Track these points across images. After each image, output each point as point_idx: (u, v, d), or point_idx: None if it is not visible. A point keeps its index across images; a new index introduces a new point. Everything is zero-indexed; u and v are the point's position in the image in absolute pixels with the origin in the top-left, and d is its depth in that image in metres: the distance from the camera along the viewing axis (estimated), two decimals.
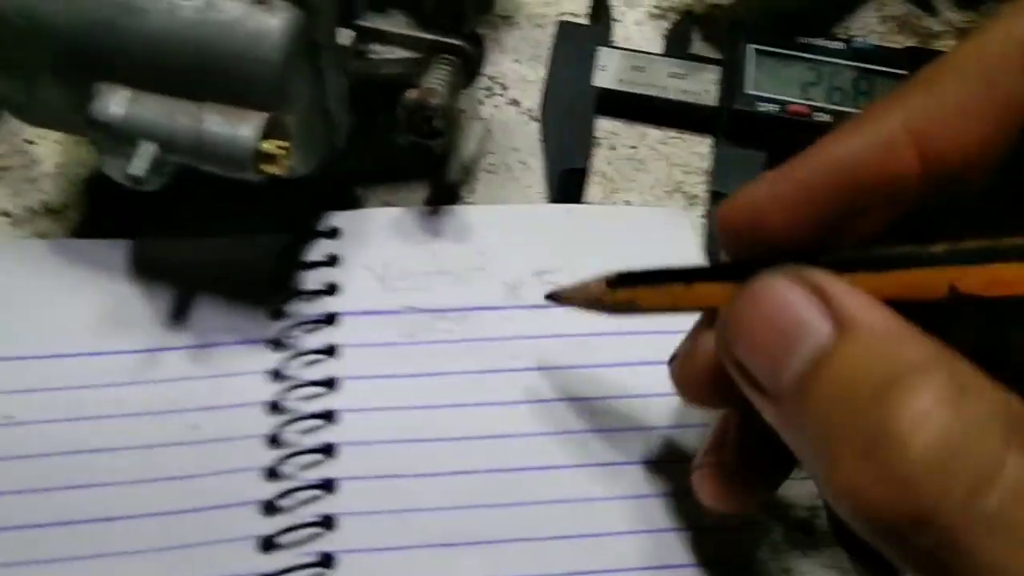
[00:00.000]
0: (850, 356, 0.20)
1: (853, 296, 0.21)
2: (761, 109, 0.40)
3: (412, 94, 0.33)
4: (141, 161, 0.29)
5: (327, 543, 0.32)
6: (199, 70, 0.30)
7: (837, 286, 0.21)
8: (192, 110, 0.30)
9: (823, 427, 0.20)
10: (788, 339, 0.21)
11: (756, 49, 0.42)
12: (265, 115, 0.30)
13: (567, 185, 0.40)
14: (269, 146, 0.30)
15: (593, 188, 0.41)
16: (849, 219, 0.24)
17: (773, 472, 0.29)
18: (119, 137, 0.30)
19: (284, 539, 0.31)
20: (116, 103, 0.30)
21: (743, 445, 0.28)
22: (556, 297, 0.32)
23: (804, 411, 0.21)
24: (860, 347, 0.20)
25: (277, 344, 0.35)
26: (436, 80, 0.34)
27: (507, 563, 0.31)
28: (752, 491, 0.29)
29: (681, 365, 0.28)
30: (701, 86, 0.42)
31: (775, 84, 0.41)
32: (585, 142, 0.41)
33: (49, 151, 0.41)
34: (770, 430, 0.23)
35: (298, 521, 0.32)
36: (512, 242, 0.38)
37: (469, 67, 0.35)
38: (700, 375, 0.27)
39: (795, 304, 0.21)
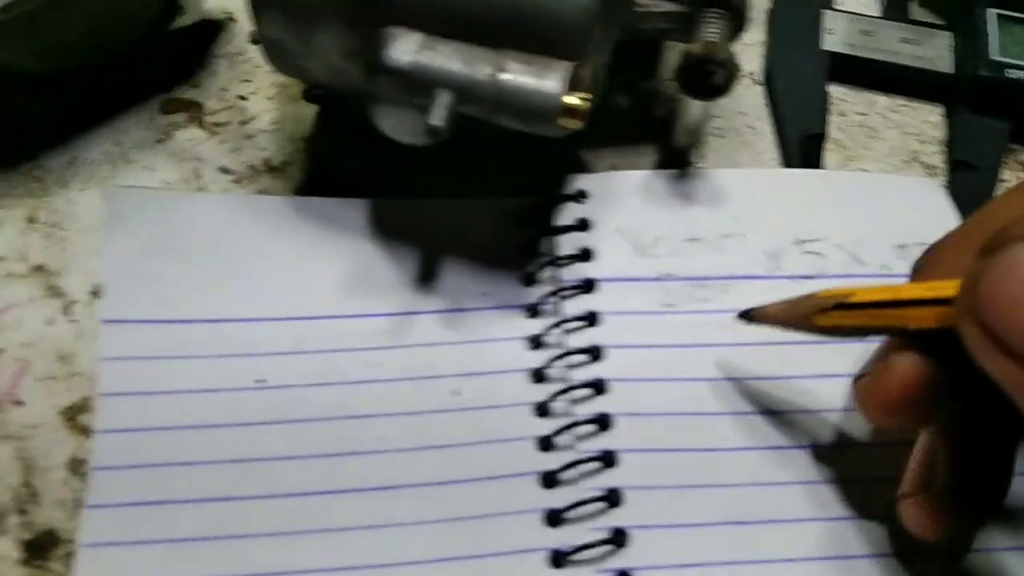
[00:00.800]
0: None
1: None
2: (1011, 76, 0.38)
3: (695, 47, 0.31)
4: (440, 110, 0.27)
5: (614, 519, 0.30)
6: (501, 14, 0.28)
7: None
8: (491, 57, 0.28)
9: None
10: None
11: (998, 14, 0.39)
12: (569, 65, 0.28)
13: (807, 150, 0.38)
14: (574, 99, 0.27)
15: (828, 155, 0.39)
16: None
17: (988, 495, 0.27)
18: (411, 85, 0.28)
19: (571, 514, 0.29)
20: (410, 48, 0.28)
21: (955, 468, 0.26)
22: (750, 316, 0.30)
23: None
24: None
25: (534, 311, 0.33)
26: (712, 33, 0.31)
27: (798, 542, 0.29)
28: (965, 516, 0.27)
29: (871, 384, 0.26)
30: (934, 52, 0.40)
31: (1022, 50, 0.39)
32: (822, 107, 0.39)
33: (262, 107, 0.39)
34: (987, 450, 0.22)
35: (582, 496, 0.30)
36: (768, 207, 0.35)
37: (736, 21, 0.33)
38: (894, 394, 0.25)
39: None
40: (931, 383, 0.25)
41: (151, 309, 0.32)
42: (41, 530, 0.30)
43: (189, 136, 0.38)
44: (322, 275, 0.33)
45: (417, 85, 0.28)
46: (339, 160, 0.37)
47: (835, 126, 0.40)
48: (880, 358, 0.27)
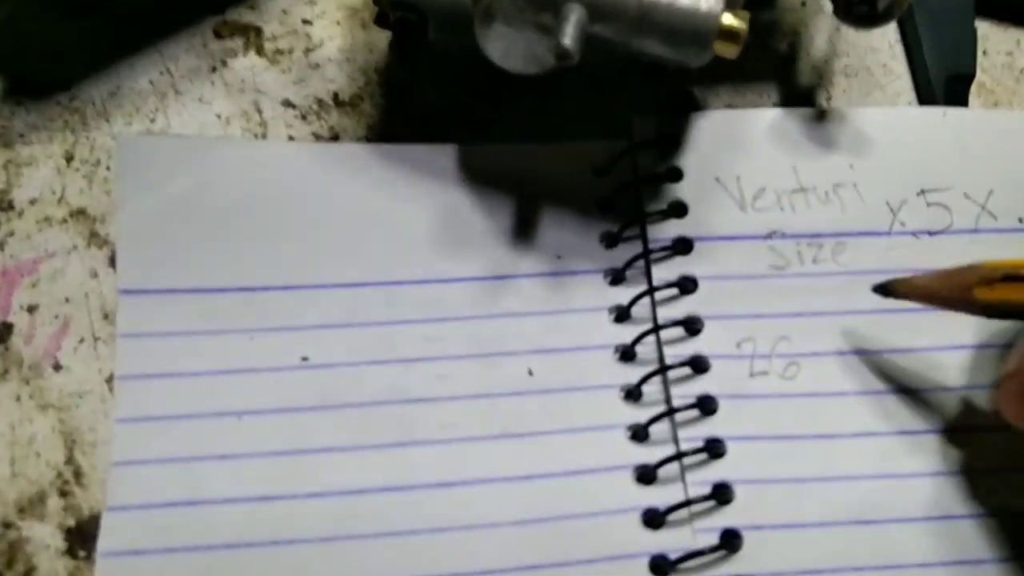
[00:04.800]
0: None
1: None
2: None
3: None
4: (572, 29, 0.21)
5: (723, 519, 0.25)
6: None
7: None
8: None
9: None
10: None
11: None
12: None
13: (952, 93, 0.32)
14: (734, 20, 0.22)
15: (972, 100, 0.33)
16: None
17: None
18: (536, 1, 0.22)
19: (675, 516, 0.25)
20: None
21: None
22: (889, 290, 0.26)
23: None
24: None
25: (618, 277, 0.28)
26: None
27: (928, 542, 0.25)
28: None
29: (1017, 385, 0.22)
30: None
31: None
32: (971, 44, 0.33)
33: (329, 33, 0.33)
34: None
35: (686, 493, 0.25)
36: (886, 152, 0.30)
37: None
38: None
39: None
40: None
41: (176, 277, 0.27)
42: (86, 516, 0.26)
43: (247, 64, 0.32)
44: (374, 236, 0.28)
45: (543, 1, 0.22)
46: (413, 93, 0.31)
47: (978, 67, 0.34)
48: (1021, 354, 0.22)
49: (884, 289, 0.26)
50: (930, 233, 0.29)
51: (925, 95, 0.32)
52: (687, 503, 0.25)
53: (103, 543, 0.25)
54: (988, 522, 0.25)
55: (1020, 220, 0.30)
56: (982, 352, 0.27)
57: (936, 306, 0.25)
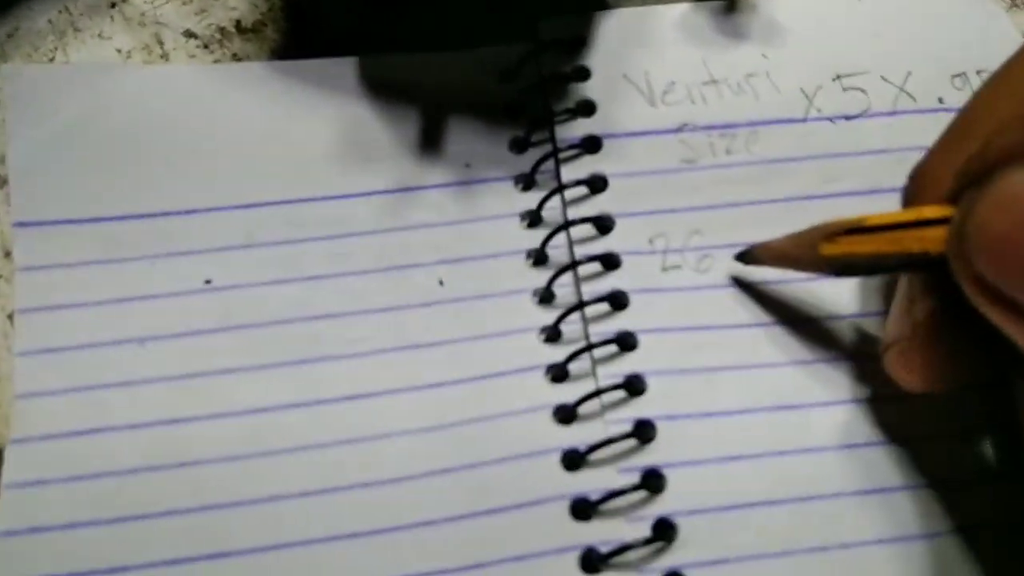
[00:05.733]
0: None
1: None
2: None
3: None
4: None
5: (636, 409, 0.24)
6: None
7: None
8: None
9: None
10: None
11: None
12: None
13: None
14: None
15: None
16: None
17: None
18: None
19: (585, 408, 0.24)
20: None
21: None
22: (749, 257, 0.25)
23: None
24: None
25: (528, 182, 0.27)
26: None
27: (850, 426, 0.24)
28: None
29: (907, 352, 0.22)
30: None
31: None
32: None
33: None
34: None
35: (598, 386, 0.24)
36: (800, 39, 0.29)
37: None
38: (934, 354, 0.21)
39: None
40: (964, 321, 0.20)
41: (73, 207, 0.26)
42: None
43: None
44: (275, 155, 0.28)
45: None
46: (315, 16, 0.31)
47: None
48: (905, 312, 0.22)
49: (744, 257, 0.26)
50: (847, 117, 0.28)
51: None
52: (597, 393, 0.24)
53: (7, 475, 0.24)
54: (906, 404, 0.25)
55: (940, 100, 0.29)
56: None
57: (791, 268, 0.24)
